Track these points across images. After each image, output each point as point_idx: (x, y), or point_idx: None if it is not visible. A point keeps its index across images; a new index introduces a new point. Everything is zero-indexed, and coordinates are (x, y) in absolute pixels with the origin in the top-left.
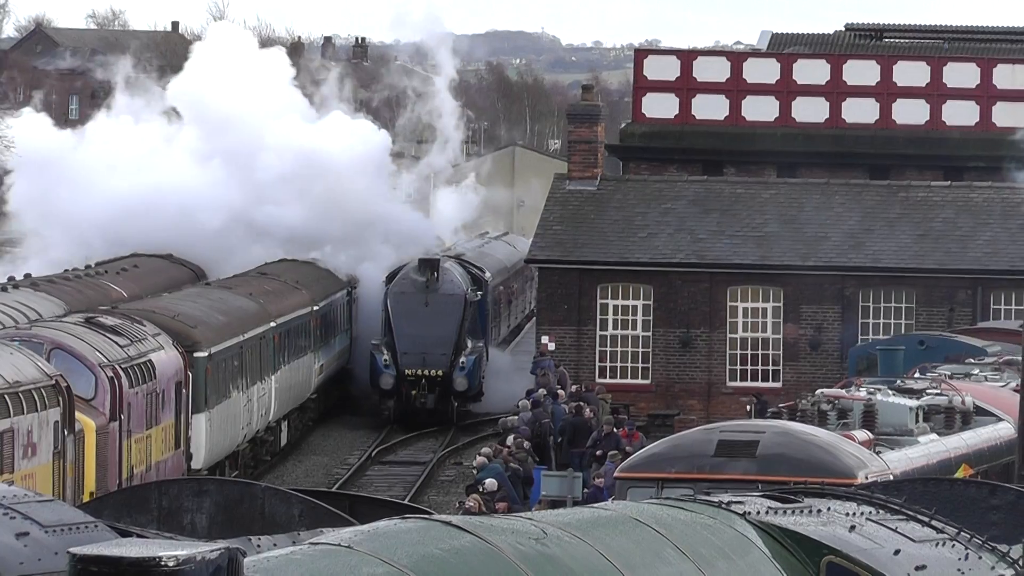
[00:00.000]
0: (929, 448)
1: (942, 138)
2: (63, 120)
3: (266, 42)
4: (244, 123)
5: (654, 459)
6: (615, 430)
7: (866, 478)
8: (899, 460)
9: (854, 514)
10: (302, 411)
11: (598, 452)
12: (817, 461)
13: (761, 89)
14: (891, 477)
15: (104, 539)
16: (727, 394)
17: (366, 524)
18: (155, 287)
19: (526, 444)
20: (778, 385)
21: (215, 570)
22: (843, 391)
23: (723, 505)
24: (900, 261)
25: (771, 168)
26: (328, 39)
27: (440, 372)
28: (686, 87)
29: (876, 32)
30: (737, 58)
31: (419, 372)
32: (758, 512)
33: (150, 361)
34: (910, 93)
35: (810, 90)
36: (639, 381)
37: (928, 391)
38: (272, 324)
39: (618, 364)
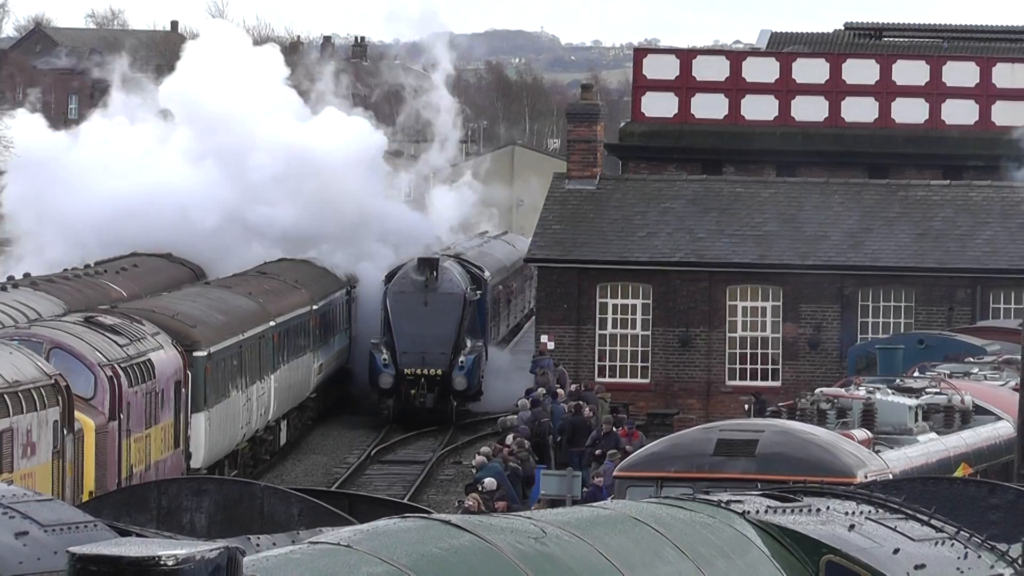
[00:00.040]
0: (928, 447)
1: (941, 137)
2: (62, 120)
3: (264, 42)
4: (237, 122)
5: (653, 458)
6: (614, 429)
7: (865, 477)
8: (898, 459)
9: (853, 513)
10: (301, 410)
11: (597, 451)
12: (816, 460)
13: (760, 88)
14: (890, 476)
15: (103, 538)
16: (726, 393)
17: (365, 523)
18: (154, 286)
19: (527, 444)
20: (777, 384)
21: (214, 569)
22: (842, 390)
23: (722, 504)
24: (899, 260)
25: (770, 167)
26: (327, 39)
27: (439, 371)
28: (685, 86)
29: (875, 31)
30: (736, 57)
31: (418, 371)
32: (757, 511)
33: (149, 360)
34: (909, 92)
35: (809, 89)
36: (638, 380)
37: (927, 390)
38: (271, 323)
39: (617, 363)
